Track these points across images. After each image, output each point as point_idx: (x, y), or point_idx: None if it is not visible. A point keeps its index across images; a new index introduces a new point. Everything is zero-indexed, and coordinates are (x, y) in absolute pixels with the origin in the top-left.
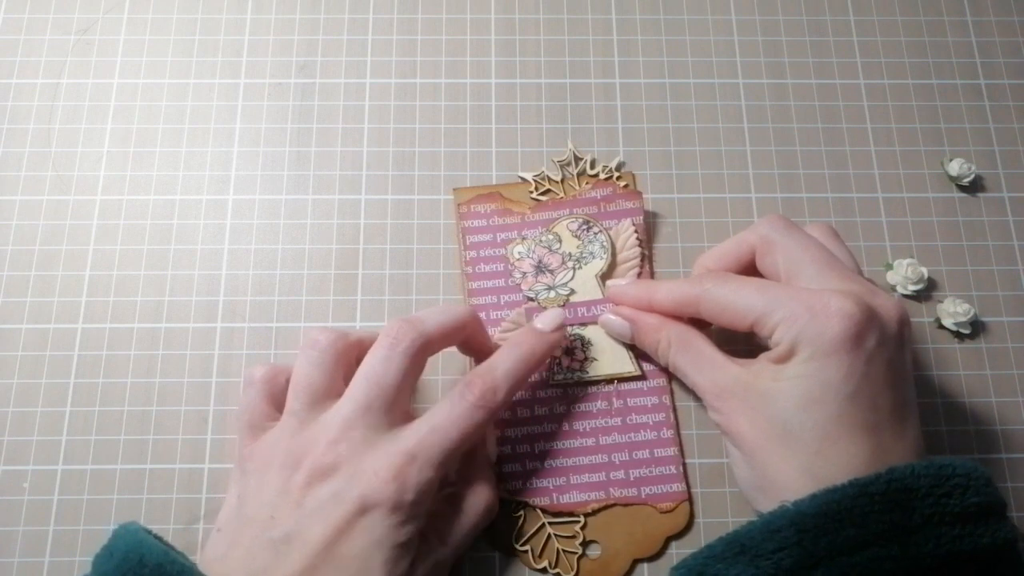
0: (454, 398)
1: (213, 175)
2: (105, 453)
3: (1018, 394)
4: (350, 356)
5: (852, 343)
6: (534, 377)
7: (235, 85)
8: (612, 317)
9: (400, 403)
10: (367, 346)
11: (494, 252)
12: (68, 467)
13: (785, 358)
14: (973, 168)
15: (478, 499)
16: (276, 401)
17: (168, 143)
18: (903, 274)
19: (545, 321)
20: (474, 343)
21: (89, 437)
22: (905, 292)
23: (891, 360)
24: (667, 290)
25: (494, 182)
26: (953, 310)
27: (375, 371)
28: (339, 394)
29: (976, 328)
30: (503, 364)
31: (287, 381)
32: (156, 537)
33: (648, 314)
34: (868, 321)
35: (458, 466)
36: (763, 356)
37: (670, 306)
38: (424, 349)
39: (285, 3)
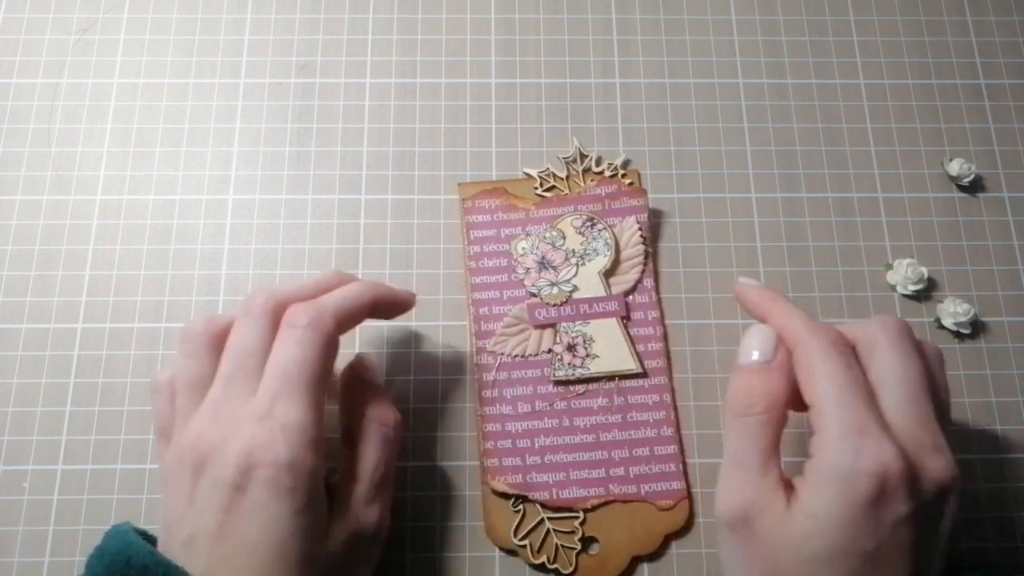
0: (281, 334)
1: (213, 175)
2: (105, 453)
3: (1018, 394)
4: (226, 337)
5: (873, 502)
6: (535, 373)
7: (235, 85)
8: (767, 330)
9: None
10: None
11: (498, 247)
12: (68, 467)
13: (810, 478)
14: (973, 168)
15: (370, 445)
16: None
17: (168, 143)
18: (903, 274)
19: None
20: (381, 304)
21: (89, 437)
22: (905, 292)
23: (922, 530)
24: (794, 315)
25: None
26: (953, 310)
27: (231, 343)
28: None
29: (976, 328)
30: (333, 293)
31: None
32: (147, 537)
33: (787, 376)
34: (901, 484)
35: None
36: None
37: (778, 324)
38: (280, 307)
39: (285, 3)
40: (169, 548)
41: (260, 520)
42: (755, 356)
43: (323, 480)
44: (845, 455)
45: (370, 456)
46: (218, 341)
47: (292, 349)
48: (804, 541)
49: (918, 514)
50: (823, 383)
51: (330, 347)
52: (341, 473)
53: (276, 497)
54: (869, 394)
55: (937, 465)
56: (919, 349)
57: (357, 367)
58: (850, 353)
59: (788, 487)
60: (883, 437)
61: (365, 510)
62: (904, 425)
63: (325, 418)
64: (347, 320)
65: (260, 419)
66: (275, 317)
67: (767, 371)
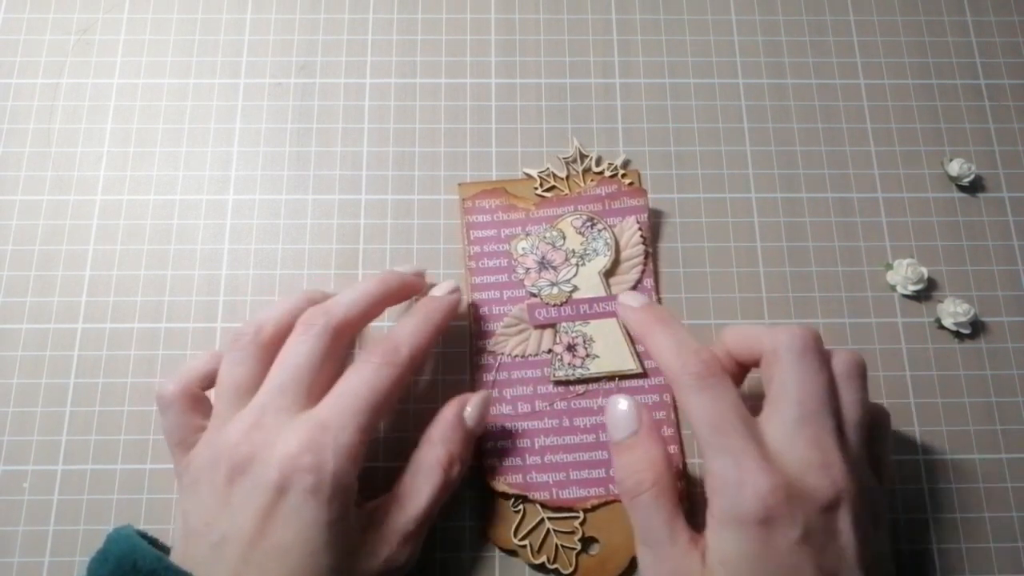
0: (357, 364)
1: (213, 175)
2: (105, 453)
3: (1018, 394)
4: (276, 347)
5: (765, 533)
6: (535, 373)
7: (235, 85)
8: (623, 402)
9: (319, 385)
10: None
11: (498, 247)
12: (68, 467)
13: (710, 524)
14: (973, 168)
15: (427, 484)
16: (201, 408)
17: (168, 143)
18: (903, 274)
19: (439, 289)
20: (445, 326)
21: (89, 437)
22: (905, 292)
23: (821, 548)
24: (663, 345)
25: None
26: (953, 310)
27: (286, 355)
28: None
29: (976, 328)
30: (403, 327)
31: (201, 384)
32: (151, 540)
33: (658, 436)
34: (785, 510)
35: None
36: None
37: (654, 359)
38: (339, 329)
39: (285, 3)
40: (193, 551)
41: (296, 526)
42: (623, 432)
43: (354, 503)
44: (728, 496)
45: (423, 495)
46: (265, 351)
47: (368, 375)
48: None
49: (811, 534)
50: (695, 423)
51: (401, 382)
52: (390, 496)
53: (315, 505)
54: (744, 421)
55: (820, 483)
56: (824, 363)
57: (466, 404)
58: (716, 380)
59: (700, 539)
60: (759, 468)
61: (402, 542)
62: (791, 445)
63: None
64: (421, 355)
65: (314, 426)
66: (334, 336)
67: (639, 443)
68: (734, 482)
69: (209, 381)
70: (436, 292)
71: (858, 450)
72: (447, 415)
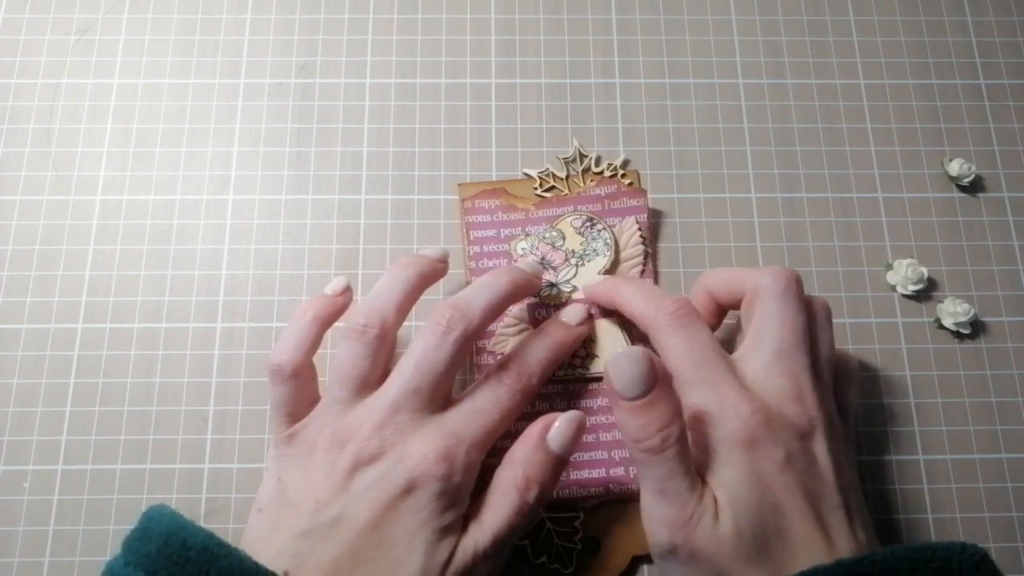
0: (492, 382)
1: (213, 175)
2: (105, 453)
3: (1018, 394)
4: (393, 341)
5: (751, 454)
6: None
7: (235, 85)
8: (633, 356)
9: (444, 388)
10: (394, 334)
11: (498, 247)
12: (68, 467)
13: (701, 456)
14: (973, 168)
15: (502, 504)
16: (313, 379)
17: (168, 143)
18: (903, 274)
19: (569, 316)
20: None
21: (89, 437)
22: (905, 292)
23: (805, 471)
24: (634, 297)
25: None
26: (953, 310)
27: (426, 359)
28: (383, 379)
29: (976, 328)
30: (535, 352)
31: (311, 355)
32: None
33: (671, 385)
34: (766, 433)
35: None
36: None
37: (627, 313)
38: (474, 335)
39: (285, 3)
40: (287, 521)
41: (407, 524)
42: (639, 388)
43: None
44: (711, 423)
45: (499, 515)
46: (387, 344)
47: (503, 398)
48: (729, 512)
49: (792, 457)
50: (673, 361)
51: (524, 408)
52: (472, 509)
53: (434, 509)
54: (720, 355)
55: (793, 412)
56: (803, 304)
57: (551, 424)
58: (690, 320)
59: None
60: (738, 394)
61: (481, 558)
62: (767, 376)
63: None
64: (550, 375)
65: (448, 436)
66: (470, 343)
67: (659, 397)
68: (716, 410)
69: (315, 350)
70: (565, 319)
71: (828, 385)
72: (530, 434)
